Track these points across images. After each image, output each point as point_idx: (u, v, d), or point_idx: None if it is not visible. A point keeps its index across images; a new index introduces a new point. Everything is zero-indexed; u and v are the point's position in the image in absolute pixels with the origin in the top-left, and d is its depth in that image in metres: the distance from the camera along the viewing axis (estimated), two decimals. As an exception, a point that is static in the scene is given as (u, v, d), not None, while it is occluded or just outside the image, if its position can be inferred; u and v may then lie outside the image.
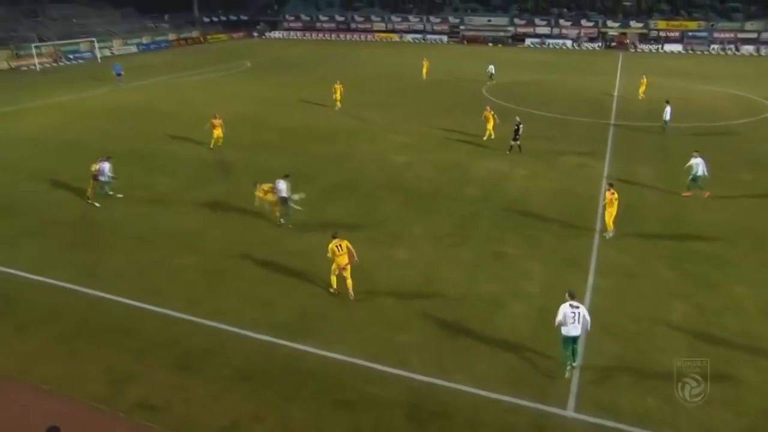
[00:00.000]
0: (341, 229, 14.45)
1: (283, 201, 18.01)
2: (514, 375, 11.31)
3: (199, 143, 27.78)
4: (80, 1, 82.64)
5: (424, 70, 48.78)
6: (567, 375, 11.23)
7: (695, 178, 20.63)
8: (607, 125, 31.99)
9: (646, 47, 78.88)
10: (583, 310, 11.06)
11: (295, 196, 18.15)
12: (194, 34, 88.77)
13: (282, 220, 18.27)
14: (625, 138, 29.22)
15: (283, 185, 17.86)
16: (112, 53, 68.89)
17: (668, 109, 29.67)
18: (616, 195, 17.03)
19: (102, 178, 20.26)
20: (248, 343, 12.30)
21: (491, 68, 47.91)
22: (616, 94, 41.16)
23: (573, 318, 10.93)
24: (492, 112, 28.21)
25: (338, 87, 36.15)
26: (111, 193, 20.73)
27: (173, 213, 19.49)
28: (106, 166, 20.34)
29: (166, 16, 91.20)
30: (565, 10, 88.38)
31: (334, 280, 14.10)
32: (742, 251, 16.52)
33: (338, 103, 35.86)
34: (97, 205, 20.10)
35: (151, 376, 11.25)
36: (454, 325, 12.99)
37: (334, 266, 13.84)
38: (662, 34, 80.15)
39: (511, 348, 12.14)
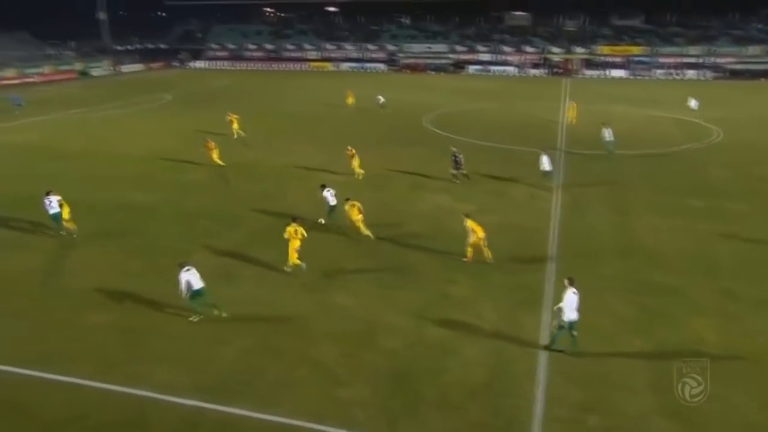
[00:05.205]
0: (276, 275, 14.26)
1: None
2: (471, 427, 11.36)
3: (112, 186, 27.07)
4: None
5: (349, 100, 51.33)
6: None
7: (545, 173, 26.45)
8: (555, 154, 33.37)
9: (591, 73, 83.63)
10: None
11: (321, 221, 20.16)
12: (105, 64, 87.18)
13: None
14: (574, 166, 30.57)
15: None
16: (6, 84, 66.53)
17: (608, 131, 31.83)
18: None
19: (51, 212, 20.36)
20: (172, 410, 11.83)
21: (380, 98, 50.46)
22: (562, 121, 43.15)
23: None
24: (353, 151, 28.75)
25: (234, 117, 37.99)
26: (62, 233, 20.74)
27: (82, 264, 18.73)
28: (47, 201, 20.33)
29: (73, 44, 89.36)
30: (508, 36, 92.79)
31: (295, 257, 17.54)
32: (695, 281, 17.43)
33: (240, 132, 37.40)
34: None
35: (55, 457, 10.60)
36: (402, 375, 12.98)
37: (291, 247, 17.53)
38: (607, 59, 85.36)
39: (466, 397, 12.22)
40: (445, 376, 12.94)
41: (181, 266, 14.96)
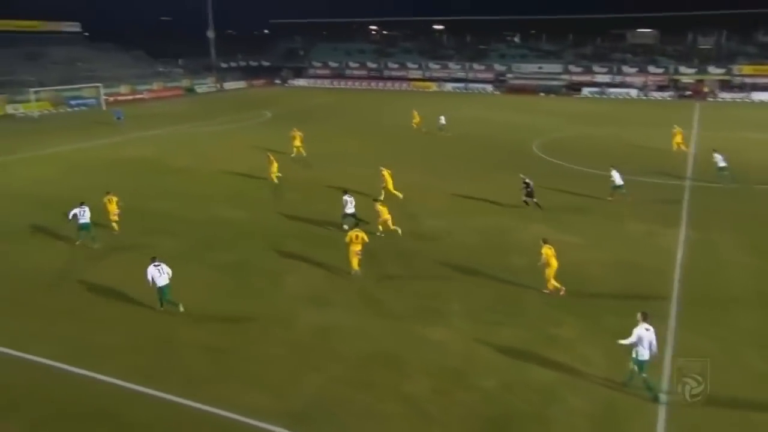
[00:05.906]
0: (366, 302, 14.35)
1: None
2: (573, 484, 10.85)
3: (210, 202, 28.61)
4: (85, 44, 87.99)
5: (416, 121, 52.09)
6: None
7: (616, 187, 28.57)
8: (682, 186, 31.75)
9: (728, 96, 78.64)
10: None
11: None
12: (210, 80, 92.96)
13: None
14: (703, 201, 28.88)
15: None
16: (118, 100, 72.44)
17: (720, 156, 31.88)
18: None
19: (81, 221, 22.37)
20: (256, 435, 12.16)
21: (442, 119, 50.40)
22: (692, 150, 41.01)
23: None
24: (386, 171, 29.10)
25: (297, 134, 39.98)
26: (79, 242, 22.77)
27: (175, 281, 19.71)
28: (80, 211, 22.31)
29: (180, 61, 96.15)
30: (629, 55, 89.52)
31: (354, 262, 19.54)
32: None
33: (301, 151, 39.25)
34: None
35: (142, 472, 11.17)
36: (498, 419, 12.67)
37: (351, 251, 19.46)
38: (748, 80, 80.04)
39: (568, 451, 11.73)
40: (546, 425, 12.47)
41: (152, 261, 17.34)
